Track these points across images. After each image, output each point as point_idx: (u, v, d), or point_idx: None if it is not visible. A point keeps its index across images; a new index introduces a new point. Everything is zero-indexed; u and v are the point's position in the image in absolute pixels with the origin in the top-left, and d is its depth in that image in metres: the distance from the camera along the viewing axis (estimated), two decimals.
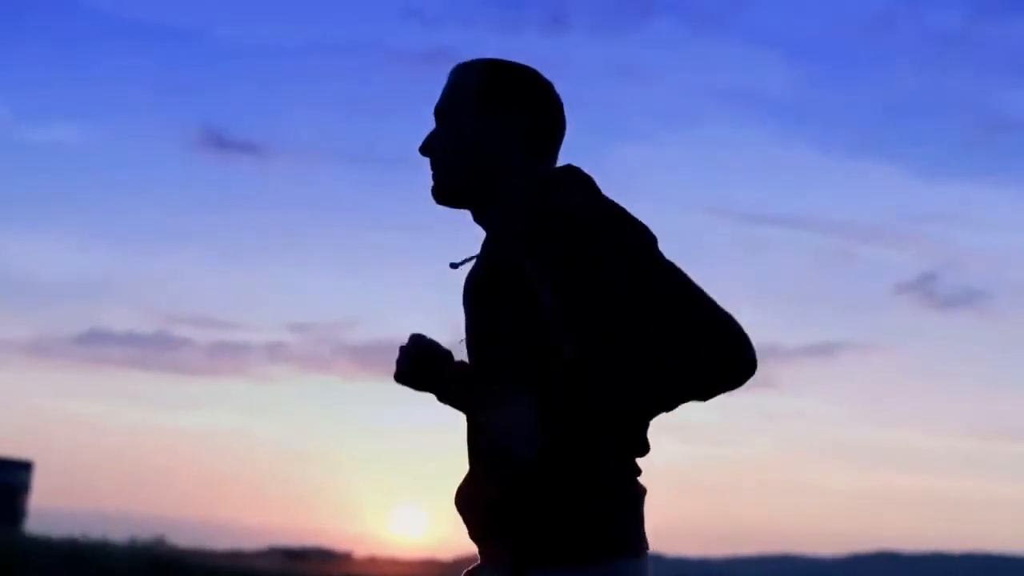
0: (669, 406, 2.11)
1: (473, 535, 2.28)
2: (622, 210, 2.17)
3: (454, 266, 2.35)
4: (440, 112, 2.35)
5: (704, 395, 2.09)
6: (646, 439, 2.22)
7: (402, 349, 2.41)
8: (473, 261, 2.34)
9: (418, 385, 2.42)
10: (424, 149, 2.35)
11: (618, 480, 2.18)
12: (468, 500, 2.27)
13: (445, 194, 2.33)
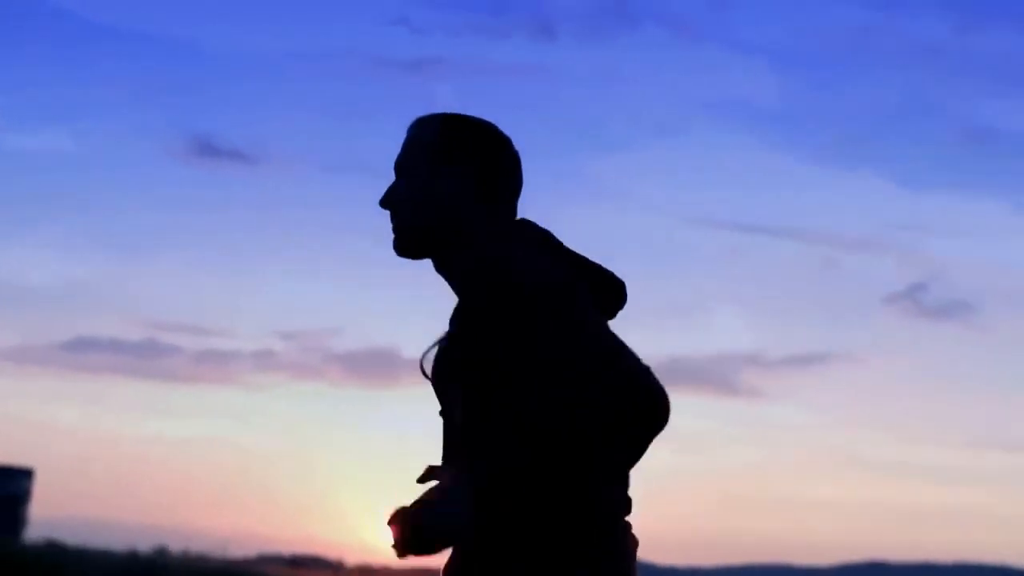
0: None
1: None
2: (555, 282, 2.21)
3: (425, 356, 2.39)
4: (399, 167, 2.42)
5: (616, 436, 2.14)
6: (628, 498, 2.26)
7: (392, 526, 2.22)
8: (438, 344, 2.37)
9: (430, 548, 2.21)
10: (384, 203, 2.41)
11: (603, 538, 2.20)
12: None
13: (404, 247, 2.40)
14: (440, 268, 2.39)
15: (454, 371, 2.28)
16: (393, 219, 2.40)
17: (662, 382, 2.19)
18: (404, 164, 2.41)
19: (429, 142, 2.39)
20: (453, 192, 2.36)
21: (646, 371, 2.16)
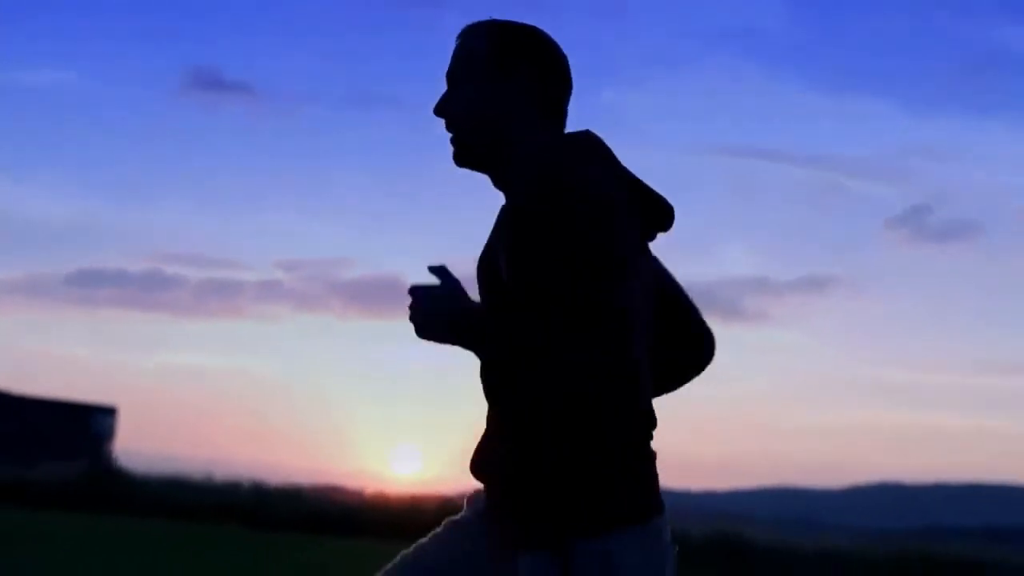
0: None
1: (490, 497, 2.35)
2: (611, 200, 2.22)
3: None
4: (451, 78, 2.41)
5: (679, 386, 2.53)
6: (653, 412, 2.31)
7: (411, 307, 2.27)
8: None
9: (440, 335, 2.26)
10: (438, 111, 2.41)
11: (633, 445, 2.23)
12: (483, 466, 2.35)
13: (465, 158, 2.39)
14: (498, 182, 2.38)
15: (499, 265, 2.25)
16: (451, 129, 2.40)
17: None
18: (458, 73, 2.40)
19: (483, 51, 2.38)
20: (511, 102, 2.35)
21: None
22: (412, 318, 2.25)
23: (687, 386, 2.54)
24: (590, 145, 2.31)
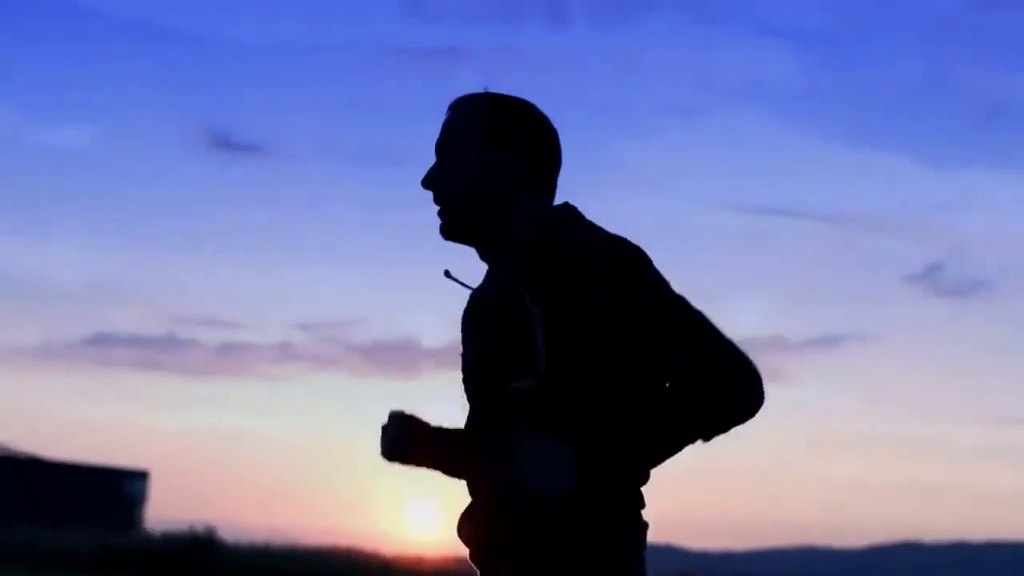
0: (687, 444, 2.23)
1: (475, 561, 2.32)
2: (627, 242, 2.23)
3: (448, 274, 2.40)
4: (441, 150, 2.38)
5: (719, 433, 2.21)
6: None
7: (383, 428, 2.33)
8: (467, 285, 2.40)
9: (408, 459, 2.34)
10: (427, 184, 2.37)
11: (626, 512, 2.23)
12: (470, 532, 2.32)
13: (453, 232, 2.37)
14: (484, 255, 2.38)
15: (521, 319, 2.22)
16: (439, 202, 2.36)
17: None
18: (448, 146, 2.37)
19: (474, 124, 2.35)
20: (501, 176, 2.33)
21: (742, 356, 2.19)
22: (382, 438, 2.31)
23: (708, 444, 2.29)
24: (573, 214, 2.33)
